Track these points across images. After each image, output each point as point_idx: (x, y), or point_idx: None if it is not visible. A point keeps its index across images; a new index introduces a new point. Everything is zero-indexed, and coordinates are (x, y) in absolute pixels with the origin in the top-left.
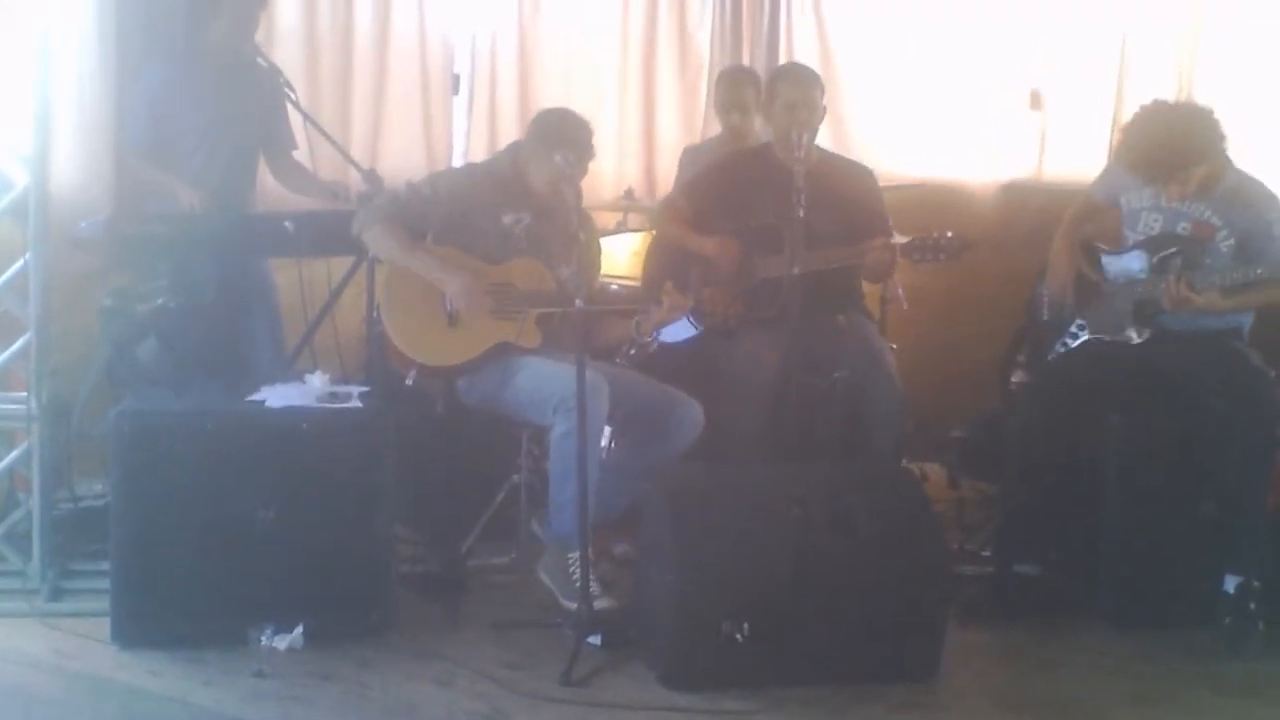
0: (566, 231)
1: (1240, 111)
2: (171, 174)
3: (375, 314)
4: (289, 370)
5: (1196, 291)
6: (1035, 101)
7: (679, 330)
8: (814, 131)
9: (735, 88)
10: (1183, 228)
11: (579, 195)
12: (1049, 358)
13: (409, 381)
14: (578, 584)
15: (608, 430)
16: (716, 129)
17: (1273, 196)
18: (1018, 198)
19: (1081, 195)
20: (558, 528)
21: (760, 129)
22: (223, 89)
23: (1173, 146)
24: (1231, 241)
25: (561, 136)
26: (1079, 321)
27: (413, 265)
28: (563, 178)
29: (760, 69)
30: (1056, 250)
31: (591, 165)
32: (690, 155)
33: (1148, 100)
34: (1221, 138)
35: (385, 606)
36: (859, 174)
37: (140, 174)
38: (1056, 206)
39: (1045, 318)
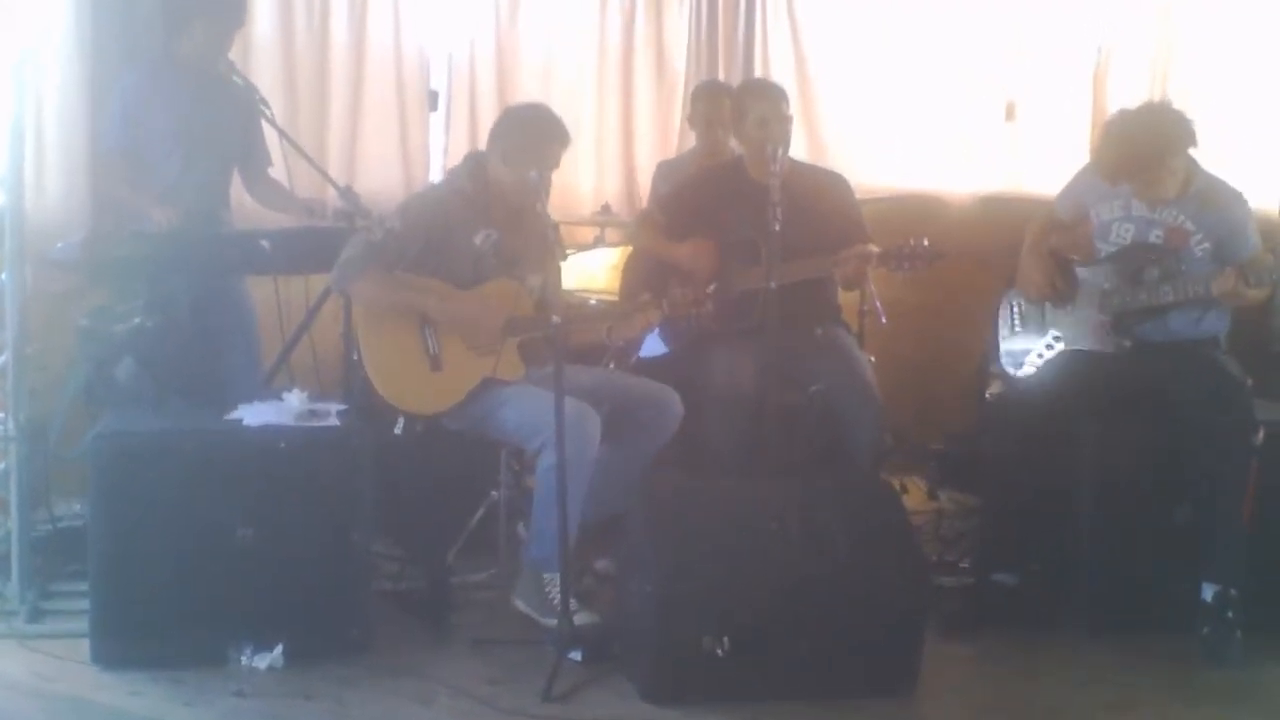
0: (536, 241)
1: (1214, 121)
2: (144, 189)
3: (355, 357)
4: (266, 388)
5: (1249, 284)
6: (1010, 113)
7: (652, 345)
8: (787, 144)
9: (715, 101)
10: (1156, 236)
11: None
12: (1024, 369)
13: (398, 430)
14: (555, 603)
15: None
16: (691, 143)
17: (1240, 195)
18: (995, 209)
19: (1043, 210)
20: (536, 553)
21: (734, 144)
22: (195, 103)
23: (1144, 143)
24: (1207, 245)
25: (540, 152)
26: (1053, 333)
27: (407, 308)
28: (535, 194)
29: (736, 82)
30: (1026, 259)
31: (569, 180)
32: (664, 170)
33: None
34: (1191, 136)
35: (365, 624)
36: (833, 183)
37: (114, 191)
38: (1031, 219)
39: (1018, 329)
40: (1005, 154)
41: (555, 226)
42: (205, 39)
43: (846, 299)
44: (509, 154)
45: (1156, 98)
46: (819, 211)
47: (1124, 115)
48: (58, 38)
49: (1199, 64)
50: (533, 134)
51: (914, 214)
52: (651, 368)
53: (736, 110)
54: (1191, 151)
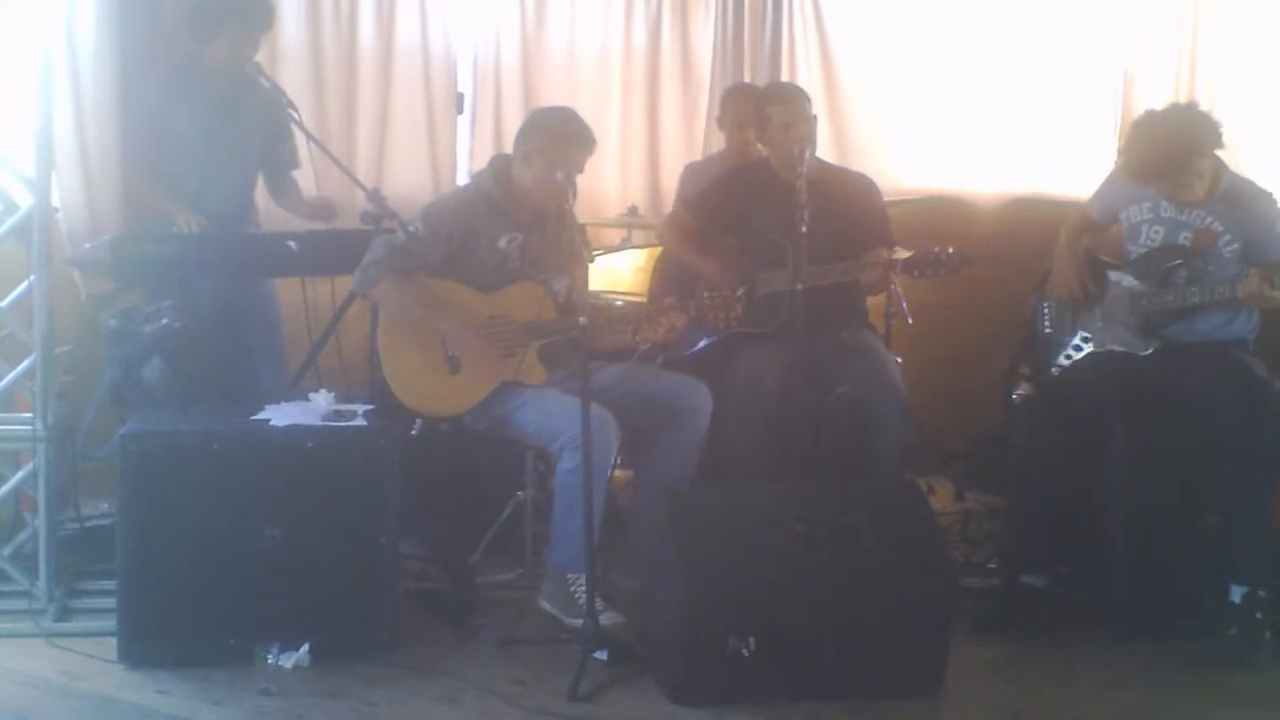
0: (560, 243)
1: (1240, 128)
2: (169, 193)
3: (376, 358)
4: (294, 389)
5: (1274, 287)
6: (1039, 116)
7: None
8: (813, 144)
9: (744, 104)
10: (1185, 237)
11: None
12: (1053, 371)
13: (414, 432)
14: (581, 603)
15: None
16: (717, 145)
17: (1269, 194)
18: (1021, 211)
19: (1077, 211)
20: (560, 555)
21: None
22: (219, 107)
23: (1172, 144)
24: (1235, 246)
25: (564, 156)
26: (1082, 334)
27: (425, 325)
28: (562, 195)
29: (763, 85)
30: (1060, 259)
31: (596, 182)
32: (692, 172)
33: (1139, 115)
34: (1218, 138)
35: (391, 624)
36: (859, 184)
37: (141, 195)
38: (1059, 221)
39: (1048, 330)
40: (1032, 156)
41: (582, 229)
42: (232, 44)
43: (873, 300)
44: (532, 157)
45: (1184, 100)
46: (846, 213)
47: (1151, 116)
48: (85, 41)
49: (1226, 68)
50: (557, 138)
51: (940, 215)
52: (678, 368)
53: (759, 117)
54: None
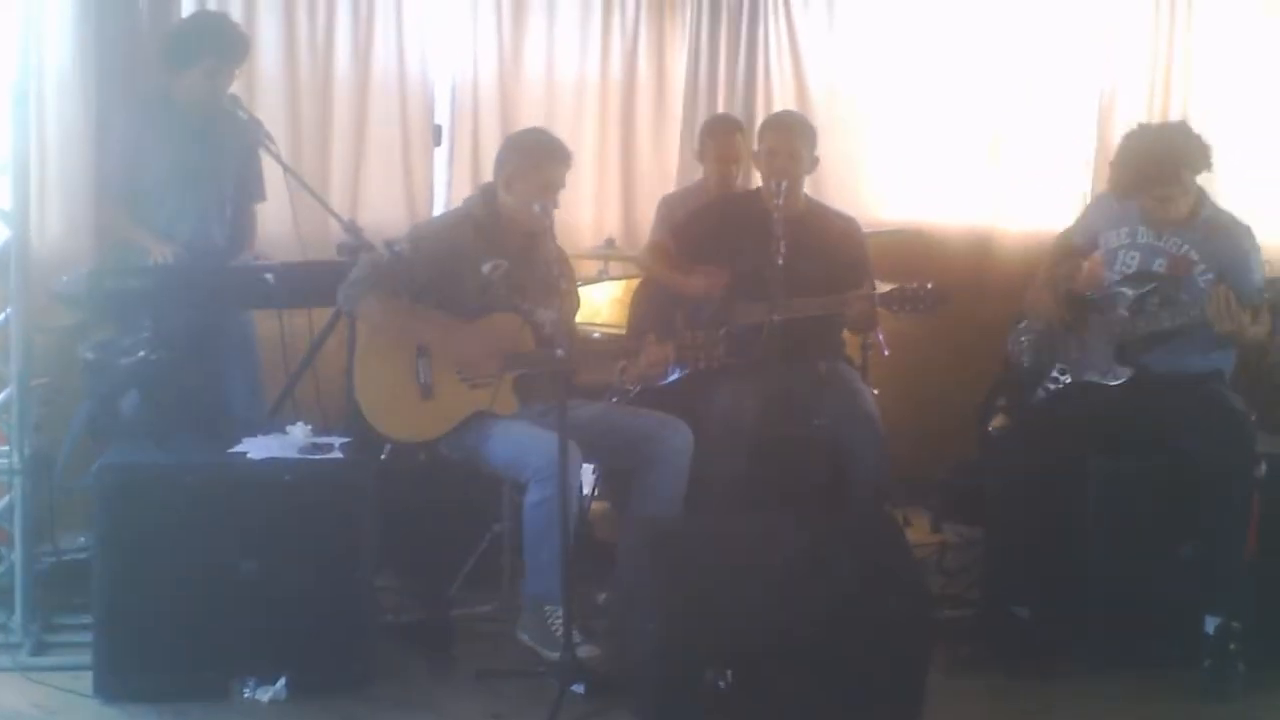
0: (547, 275)
1: (1218, 146)
2: (144, 225)
3: (352, 389)
4: (270, 421)
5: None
6: (1008, 149)
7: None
8: (796, 180)
9: (726, 137)
10: (1159, 264)
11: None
12: (1031, 402)
13: (383, 456)
14: (559, 635)
15: (590, 477)
16: (691, 177)
17: (1248, 228)
18: (995, 245)
19: (1060, 236)
20: (535, 588)
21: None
22: (193, 140)
23: (1163, 155)
24: (1210, 275)
25: (542, 173)
26: (1060, 366)
27: (412, 335)
28: (540, 227)
29: (738, 116)
30: (1041, 287)
31: (572, 214)
32: (668, 203)
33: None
34: (1207, 159)
35: (368, 657)
36: (845, 224)
37: (116, 228)
38: (1035, 253)
39: (1026, 364)
40: (1004, 187)
41: (563, 259)
42: (208, 75)
43: (849, 333)
44: (513, 181)
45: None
46: (828, 251)
47: (1144, 129)
48: (60, 72)
49: (1204, 98)
50: (533, 157)
51: (914, 248)
52: (654, 401)
53: (757, 139)
54: (1200, 182)
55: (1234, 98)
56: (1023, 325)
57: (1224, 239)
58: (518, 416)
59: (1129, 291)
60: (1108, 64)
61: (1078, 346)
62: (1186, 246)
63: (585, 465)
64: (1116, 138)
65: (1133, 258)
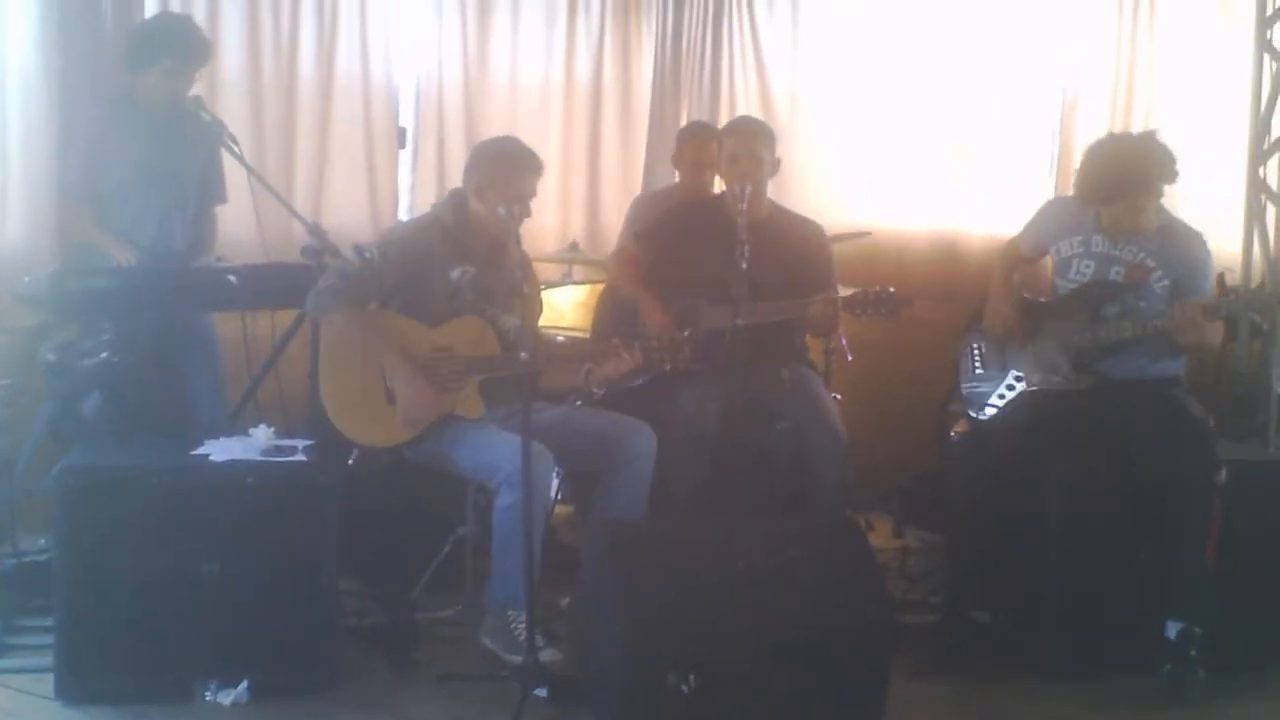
0: (511, 280)
1: (1180, 149)
2: (106, 227)
3: (316, 391)
4: (233, 424)
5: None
6: (973, 154)
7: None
8: (759, 183)
9: (700, 143)
10: (1116, 272)
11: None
12: (986, 410)
13: (351, 462)
14: (521, 639)
15: (554, 482)
16: (657, 181)
17: (1201, 236)
18: (956, 248)
19: (1007, 246)
20: (499, 593)
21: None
22: (155, 141)
23: (1131, 168)
24: (1166, 282)
25: (514, 183)
26: (1014, 373)
27: (367, 347)
28: (507, 230)
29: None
30: (993, 295)
31: (536, 217)
32: (639, 205)
33: (1098, 138)
34: (1174, 172)
35: (331, 660)
36: (809, 230)
37: (78, 229)
38: (995, 258)
39: (979, 370)
40: (967, 193)
41: (527, 263)
42: (167, 75)
43: (812, 338)
44: (484, 190)
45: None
46: (791, 256)
47: (1115, 139)
48: (23, 72)
49: (1165, 101)
50: (505, 166)
51: (876, 253)
52: (618, 404)
53: (720, 145)
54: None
55: (1193, 107)
56: (977, 331)
57: (1180, 246)
58: (483, 420)
59: (1084, 300)
60: (1070, 71)
61: (1033, 354)
62: (1143, 254)
63: None
64: (1078, 144)
65: (1088, 266)
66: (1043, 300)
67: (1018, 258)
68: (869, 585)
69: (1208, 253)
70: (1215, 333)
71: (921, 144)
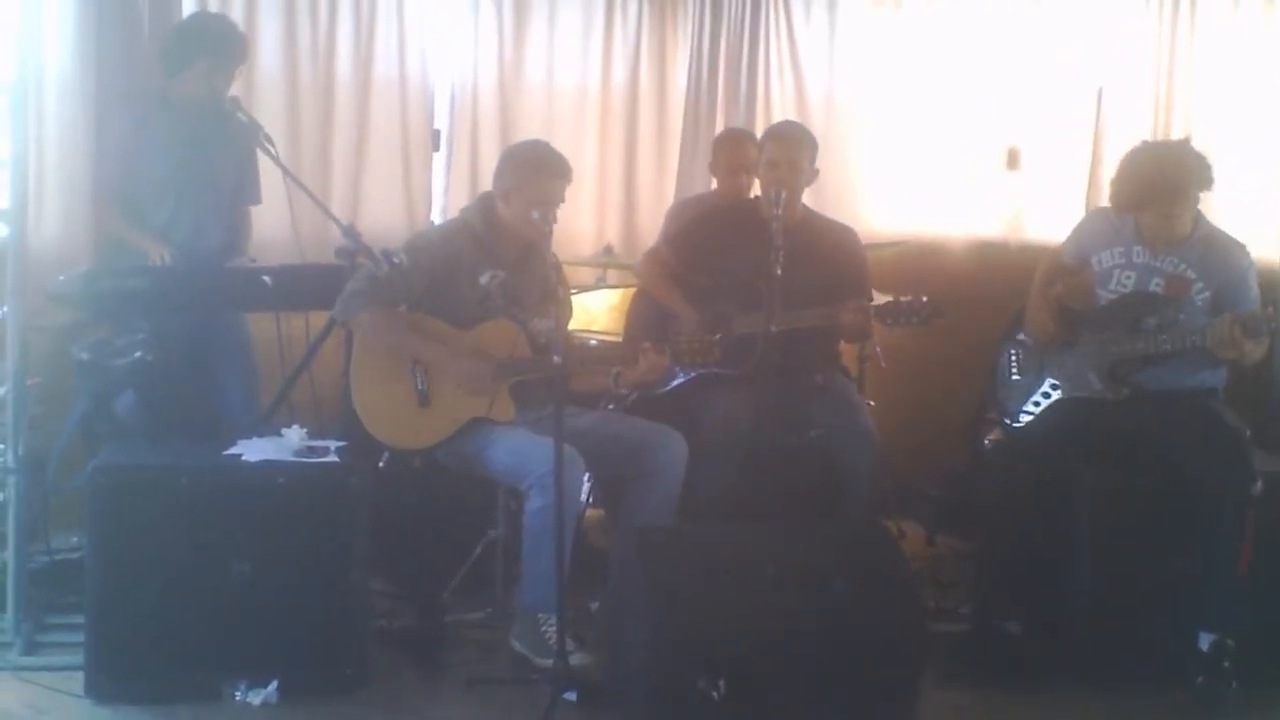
0: (541, 283)
1: (1216, 166)
2: (141, 226)
3: (348, 393)
4: (266, 424)
5: (1246, 334)
6: (1013, 160)
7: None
8: (796, 190)
9: (737, 149)
10: (1156, 284)
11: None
12: (1021, 417)
13: (382, 464)
14: (552, 643)
15: (585, 487)
16: (690, 186)
17: (1243, 246)
18: (995, 257)
19: (1049, 254)
20: (530, 596)
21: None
22: (191, 142)
23: (1165, 175)
24: (1207, 294)
25: (541, 189)
26: (1050, 381)
27: (407, 352)
28: (539, 233)
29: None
30: (1033, 302)
31: (571, 221)
32: (677, 209)
33: (1133, 145)
34: (1209, 179)
35: (360, 662)
36: (843, 236)
37: (113, 229)
38: (1033, 266)
39: (1015, 377)
40: (1006, 200)
41: (558, 266)
42: (205, 75)
43: (846, 345)
44: (511, 194)
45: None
46: (826, 262)
47: (1148, 146)
48: (60, 72)
49: (1200, 109)
50: (533, 172)
51: (915, 260)
52: (651, 409)
53: (761, 149)
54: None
55: (1234, 110)
56: (1019, 339)
57: (1221, 257)
58: (515, 423)
59: (1124, 311)
60: (1107, 73)
61: (1071, 363)
62: (1184, 266)
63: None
64: (1112, 150)
65: (1129, 277)
66: (1082, 310)
67: (1060, 267)
68: (900, 592)
69: (1250, 263)
70: (1257, 346)
71: (957, 151)
